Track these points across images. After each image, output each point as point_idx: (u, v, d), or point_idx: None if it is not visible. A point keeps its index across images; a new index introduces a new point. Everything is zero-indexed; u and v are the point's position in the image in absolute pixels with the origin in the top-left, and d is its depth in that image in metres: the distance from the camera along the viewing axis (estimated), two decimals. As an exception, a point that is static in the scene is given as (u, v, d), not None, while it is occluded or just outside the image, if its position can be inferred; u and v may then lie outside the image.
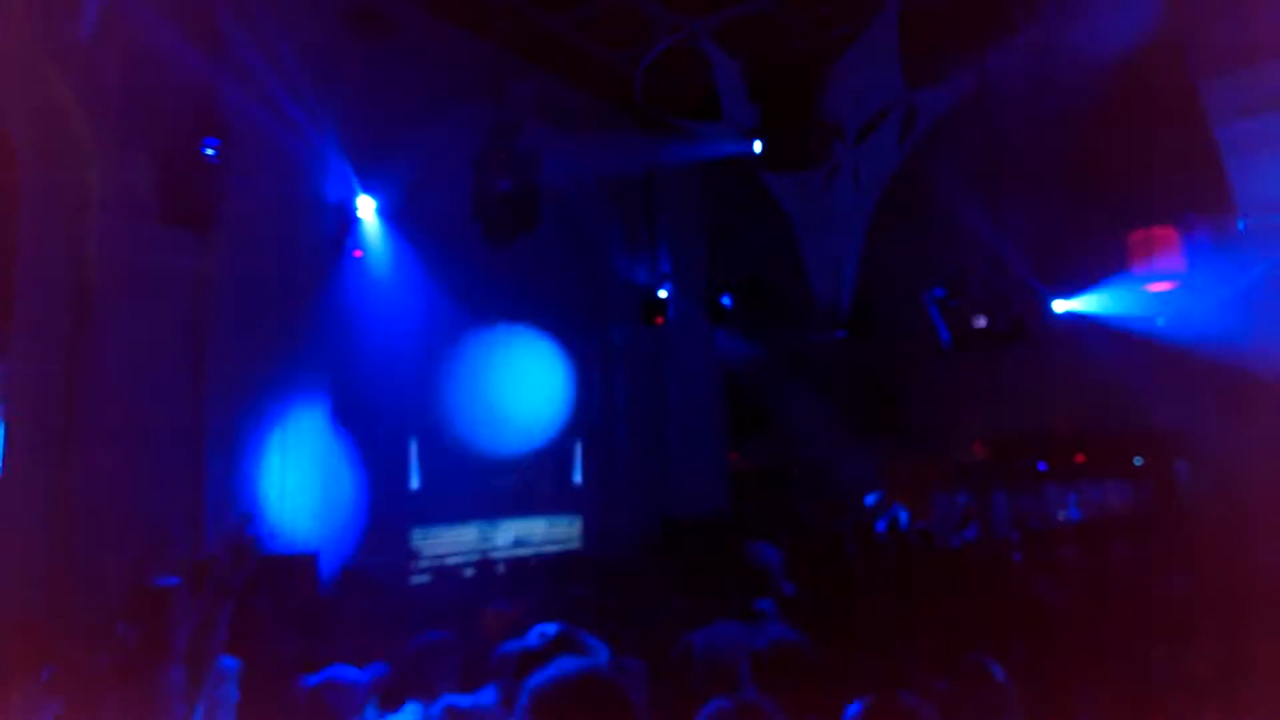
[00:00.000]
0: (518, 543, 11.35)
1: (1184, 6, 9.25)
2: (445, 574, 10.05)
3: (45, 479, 6.66)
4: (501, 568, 10.31)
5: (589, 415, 12.36)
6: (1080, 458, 13.33)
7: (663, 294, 12.01)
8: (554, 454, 12.18)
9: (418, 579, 9.86)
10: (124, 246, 7.12)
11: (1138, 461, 13.00)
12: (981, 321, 10.72)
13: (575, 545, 12.07)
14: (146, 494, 6.92)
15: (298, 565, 7.29)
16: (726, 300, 12.68)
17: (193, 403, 7.39)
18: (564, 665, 2.10)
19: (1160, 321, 12.87)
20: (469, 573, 7.06)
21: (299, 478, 7.99)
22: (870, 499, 11.20)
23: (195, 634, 2.99)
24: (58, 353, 6.87)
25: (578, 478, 12.38)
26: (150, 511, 6.89)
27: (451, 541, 10.65)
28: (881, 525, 11.11)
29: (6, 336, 6.87)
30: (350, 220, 8.74)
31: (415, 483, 10.38)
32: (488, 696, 2.96)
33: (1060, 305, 11.70)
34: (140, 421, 7.00)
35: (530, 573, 7.31)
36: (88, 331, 6.92)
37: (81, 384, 6.86)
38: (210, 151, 7.38)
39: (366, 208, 8.80)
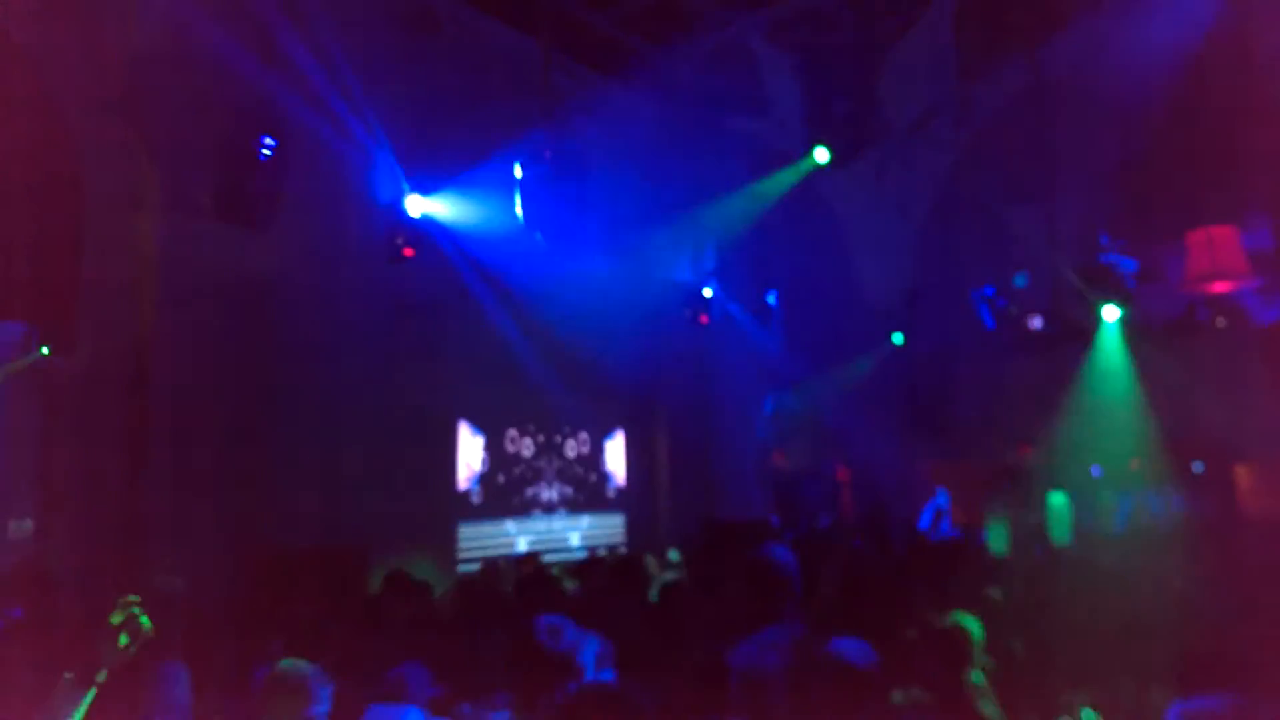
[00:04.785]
0: (560, 540, 11.42)
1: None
2: (490, 571, 10.13)
3: (113, 475, 6.82)
4: (553, 567, 10.37)
5: (633, 414, 12.37)
6: (1135, 463, 13.02)
7: (708, 292, 11.97)
8: (598, 452, 12.23)
9: (464, 569, 9.95)
10: (184, 244, 7.28)
11: (1198, 467, 12.65)
12: (1037, 322, 10.53)
13: (618, 542, 12.10)
14: (209, 491, 7.07)
15: (349, 561, 7.42)
16: (772, 299, 12.61)
17: (254, 399, 7.55)
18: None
19: (1220, 323, 12.57)
20: (511, 571, 7.17)
21: (352, 473, 8.12)
22: (935, 503, 11.00)
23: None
24: (125, 351, 7.03)
25: (621, 476, 12.41)
26: (211, 509, 7.05)
27: (497, 537, 10.75)
28: (924, 522, 10.98)
29: (73, 335, 7.06)
30: (401, 219, 8.84)
31: (462, 478, 10.48)
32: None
33: (1110, 312, 11.42)
34: (204, 419, 7.16)
35: (576, 571, 7.34)
36: (152, 330, 7.08)
37: (148, 382, 7.03)
38: (266, 150, 7.50)
39: (416, 206, 8.89)
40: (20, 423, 8.21)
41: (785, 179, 11.35)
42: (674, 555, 8.12)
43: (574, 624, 3.53)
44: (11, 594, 5.88)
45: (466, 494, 10.54)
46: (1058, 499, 10.14)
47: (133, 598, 2.63)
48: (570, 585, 6.54)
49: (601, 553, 11.00)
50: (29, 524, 8.05)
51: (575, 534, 11.77)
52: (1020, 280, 11.85)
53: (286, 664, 2.83)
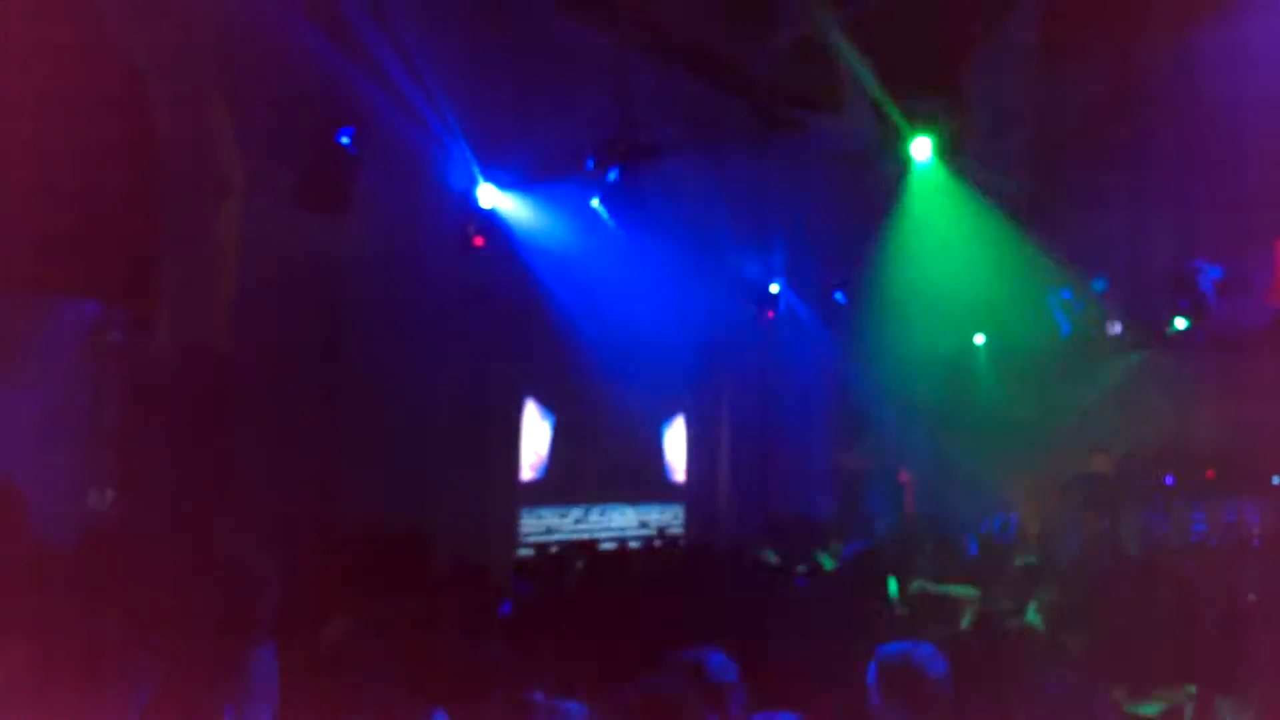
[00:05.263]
0: (621, 528, 11.48)
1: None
2: (549, 559, 10.23)
3: (193, 452, 7.03)
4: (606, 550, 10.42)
5: (697, 406, 12.35)
6: (1210, 473, 12.64)
7: (774, 288, 11.89)
8: (661, 442, 12.25)
9: (523, 554, 10.06)
10: (264, 230, 7.45)
11: (1277, 480, 12.24)
12: (1116, 328, 10.25)
13: (678, 531, 12.11)
14: (287, 471, 7.25)
15: (412, 546, 7.53)
16: (840, 297, 12.46)
17: (329, 384, 7.71)
18: None
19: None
20: (578, 564, 7.23)
21: (420, 459, 8.25)
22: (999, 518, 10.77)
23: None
24: (206, 332, 7.23)
25: (683, 467, 12.42)
26: (283, 496, 7.21)
27: (558, 524, 10.85)
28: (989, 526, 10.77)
29: (156, 317, 7.28)
30: (473, 208, 8.93)
31: (524, 464, 10.58)
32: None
33: (1181, 321, 11.08)
34: (281, 402, 7.34)
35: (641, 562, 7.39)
36: (232, 312, 7.27)
37: (228, 364, 7.22)
38: (346, 140, 7.63)
39: (489, 197, 8.97)
40: (104, 396, 8.52)
41: (860, 177, 11.19)
42: (771, 556, 7.99)
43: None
44: (91, 563, 6.12)
45: (532, 478, 10.65)
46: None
47: None
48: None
49: (658, 543, 11.03)
50: (110, 494, 8.36)
51: (634, 520, 11.82)
52: (1099, 285, 11.54)
53: None
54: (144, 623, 3.89)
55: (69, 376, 7.13)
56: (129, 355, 7.56)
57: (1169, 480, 12.72)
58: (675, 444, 12.48)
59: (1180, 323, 10.97)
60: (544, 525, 10.68)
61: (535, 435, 10.76)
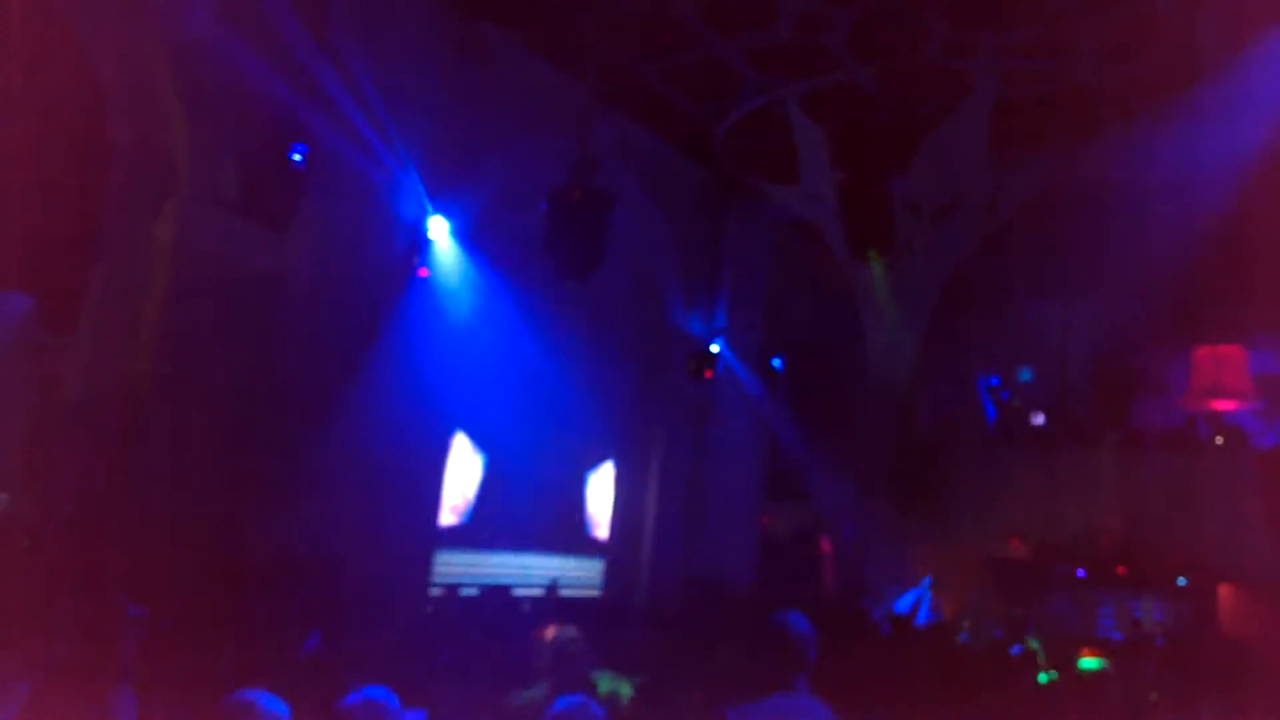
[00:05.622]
0: (535, 578, 11.22)
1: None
2: (464, 599, 9.96)
3: (102, 459, 6.73)
4: (525, 604, 10.17)
5: (626, 459, 12.26)
6: (1121, 569, 12.93)
7: (715, 348, 11.97)
8: (585, 494, 12.09)
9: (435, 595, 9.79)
10: (204, 235, 7.27)
11: (1181, 581, 12.56)
12: (1038, 419, 10.52)
13: (594, 590, 11.91)
14: (199, 484, 6.96)
15: (323, 568, 7.27)
16: (778, 363, 12.60)
17: (251, 396, 7.46)
18: None
19: (1219, 441, 12.59)
20: (486, 602, 7.04)
21: (342, 483, 8.01)
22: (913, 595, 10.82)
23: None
24: (128, 335, 6.97)
25: (605, 521, 12.25)
26: (198, 503, 6.92)
27: (473, 567, 10.57)
28: (903, 606, 10.82)
29: (75, 315, 7.01)
30: (421, 239, 8.85)
31: (445, 503, 10.33)
32: None
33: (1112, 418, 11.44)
34: (200, 410, 7.08)
35: (557, 611, 7.23)
36: (161, 317, 7.03)
37: (148, 369, 6.95)
38: (298, 157, 7.53)
39: (439, 229, 8.91)
40: (11, 397, 8.15)
41: (803, 246, 11.39)
42: None
43: None
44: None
45: (453, 516, 10.39)
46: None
47: None
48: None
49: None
50: (5, 497, 7.95)
51: (550, 573, 11.54)
52: (1025, 375, 11.88)
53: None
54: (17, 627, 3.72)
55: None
56: (45, 353, 7.26)
57: (1080, 573, 12.98)
58: (601, 495, 12.30)
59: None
60: (460, 566, 10.41)
61: (463, 476, 10.53)
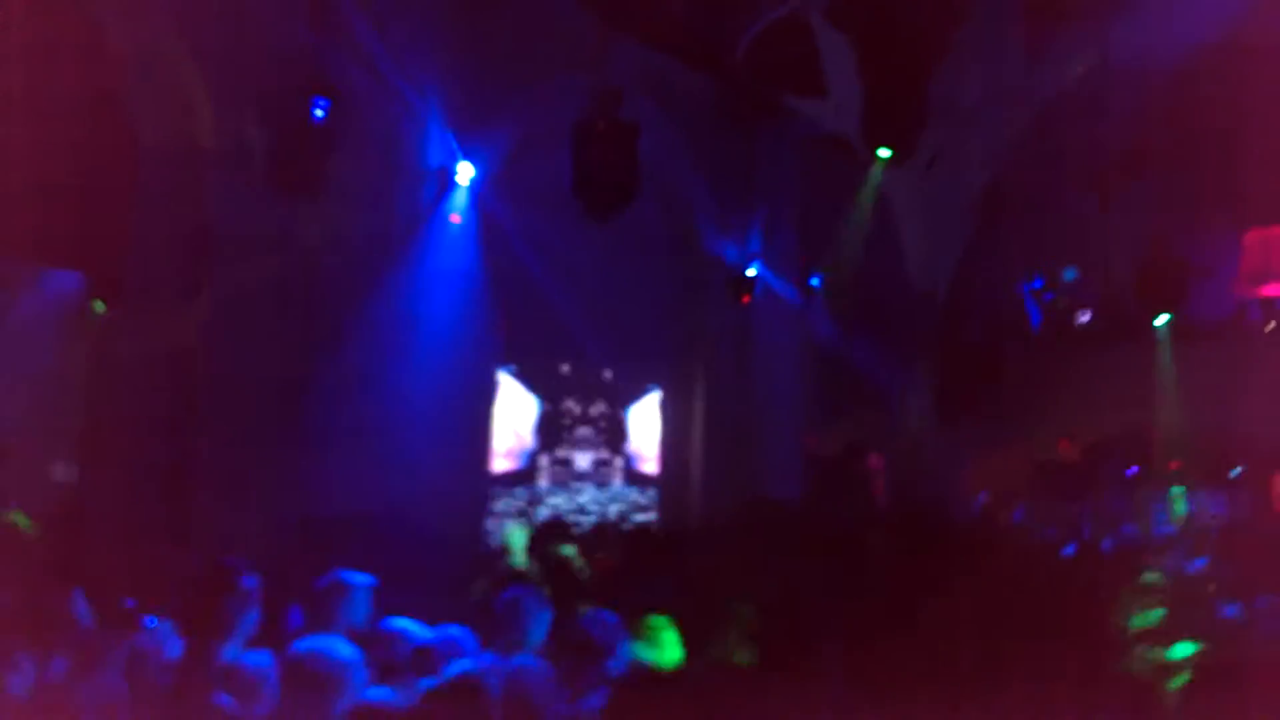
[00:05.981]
0: (589, 508, 11.43)
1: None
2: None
3: (157, 427, 6.89)
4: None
5: (669, 389, 12.32)
6: (1174, 464, 12.84)
7: (751, 272, 11.87)
8: (634, 424, 12.20)
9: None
10: (236, 204, 7.29)
11: (1235, 472, 12.46)
12: (1085, 317, 10.36)
13: (650, 515, 12.10)
14: (252, 447, 7.12)
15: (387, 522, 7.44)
16: (816, 282, 12.48)
17: (298, 358, 7.57)
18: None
19: (1271, 326, 12.33)
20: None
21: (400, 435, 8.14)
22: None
23: None
24: (175, 305, 7.08)
25: (654, 454, 12.38)
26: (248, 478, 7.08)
27: (532, 505, 10.79)
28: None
29: (121, 288, 7.11)
30: (450, 186, 8.81)
31: (492, 442, 10.49)
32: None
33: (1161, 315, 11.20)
34: (250, 377, 7.21)
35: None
36: (202, 286, 7.12)
37: (195, 343, 7.07)
38: (319, 113, 7.45)
39: (466, 174, 8.86)
40: (67, 369, 8.34)
41: (836, 161, 11.18)
42: None
43: None
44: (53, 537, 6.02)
45: (507, 461, 10.58)
46: None
47: None
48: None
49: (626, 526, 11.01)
50: (75, 467, 8.19)
51: (606, 504, 11.75)
52: (1070, 274, 11.67)
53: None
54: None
55: (50, 345, 6.99)
56: (97, 325, 7.40)
57: (1131, 470, 12.92)
58: (649, 424, 12.39)
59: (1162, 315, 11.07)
60: (519, 503, 10.63)
61: (514, 418, 10.66)
